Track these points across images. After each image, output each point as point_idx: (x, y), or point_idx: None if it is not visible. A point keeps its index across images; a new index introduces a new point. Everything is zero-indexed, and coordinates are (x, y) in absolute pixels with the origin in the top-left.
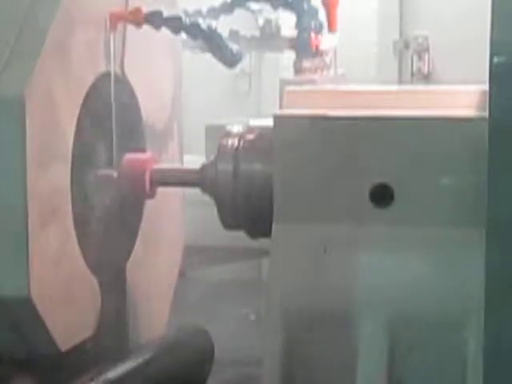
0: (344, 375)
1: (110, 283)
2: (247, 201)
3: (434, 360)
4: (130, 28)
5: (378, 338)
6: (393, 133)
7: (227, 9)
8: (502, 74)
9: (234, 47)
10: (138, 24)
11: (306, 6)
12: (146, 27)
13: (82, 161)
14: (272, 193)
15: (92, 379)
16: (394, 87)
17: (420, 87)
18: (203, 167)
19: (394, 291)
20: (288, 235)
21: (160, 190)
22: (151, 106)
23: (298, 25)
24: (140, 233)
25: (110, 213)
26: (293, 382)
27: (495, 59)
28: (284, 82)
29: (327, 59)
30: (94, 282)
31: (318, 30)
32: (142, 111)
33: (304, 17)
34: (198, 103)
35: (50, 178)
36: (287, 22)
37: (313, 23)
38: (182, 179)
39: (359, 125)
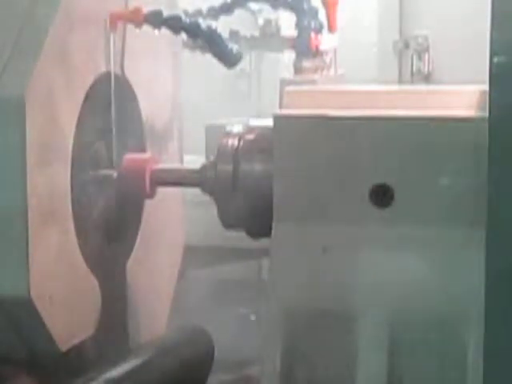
0: (344, 375)
1: (109, 283)
2: (247, 201)
3: (434, 360)
4: (130, 28)
5: (378, 338)
6: (393, 133)
7: (227, 9)
8: (502, 74)
9: (234, 47)
10: (138, 24)
11: (305, 6)
12: (146, 27)
13: (82, 161)
14: (272, 193)
15: (92, 379)
16: (394, 87)
17: (420, 87)
18: (203, 167)
19: (394, 291)
20: (288, 235)
21: (160, 190)
22: (151, 106)
23: (298, 25)
24: (140, 233)
25: (109, 213)
26: (293, 382)
27: (495, 59)
28: (284, 82)
29: (327, 59)
30: (94, 282)
31: (318, 30)
32: (142, 111)
33: (304, 17)
34: (197, 103)
35: (50, 178)
36: (287, 22)
37: (313, 23)
38: (182, 179)
39: (359, 125)
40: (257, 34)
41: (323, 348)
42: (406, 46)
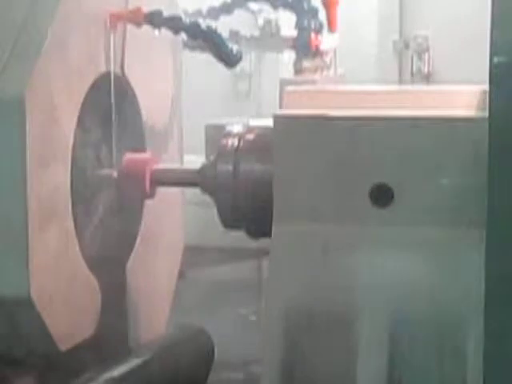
0: (344, 375)
1: (109, 283)
2: (247, 201)
3: (434, 360)
4: (131, 28)
5: (378, 338)
6: (393, 133)
7: (227, 9)
8: (502, 74)
9: (234, 47)
10: (138, 24)
11: (306, 6)
12: (146, 27)
13: (82, 161)
14: (272, 193)
15: (92, 379)
16: (394, 87)
17: (420, 87)
18: (203, 167)
19: (394, 291)
20: (288, 235)
21: (160, 190)
22: (151, 106)
23: (298, 25)
24: (140, 233)
25: (110, 213)
26: (293, 382)
27: (495, 59)
28: (284, 82)
29: (327, 59)
30: (94, 282)
31: (318, 30)
32: (142, 111)
33: (304, 17)
34: (198, 103)
35: (50, 178)
36: (287, 22)
37: (313, 23)
38: (182, 179)
39: (359, 125)
40: (257, 34)
41: (323, 348)
42: (406, 46)
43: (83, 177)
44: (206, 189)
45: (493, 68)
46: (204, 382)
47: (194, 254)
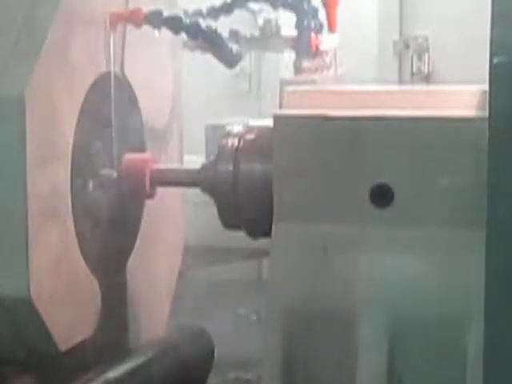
0: (344, 375)
1: (110, 283)
2: (247, 201)
3: (434, 360)
4: (131, 28)
5: (378, 338)
6: (393, 133)
7: (227, 9)
8: (502, 74)
9: (234, 47)
10: (138, 24)
11: (305, 6)
12: (146, 27)
13: (81, 161)
14: (272, 193)
15: (92, 379)
16: (394, 87)
17: (420, 87)
18: (203, 167)
19: (394, 291)
20: (288, 235)
21: (160, 190)
22: (151, 106)
23: (298, 25)
24: (140, 233)
25: (110, 213)
26: (293, 382)
27: (495, 59)
28: (284, 82)
29: (327, 59)
30: (94, 282)
31: (318, 30)
32: (142, 111)
33: (304, 17)
34: (198, 103)
35: (49, 178)
36: (287, 22)
37: (313, 23)
38: (182, 179)
39: (359, 125)
40: (257, 34)
41: (323, 348)
42: (406, 46)
43: (83, 177)
44: (205, 189)
45: (493, 68)
46: (204, 383)
47: (194, 254)
